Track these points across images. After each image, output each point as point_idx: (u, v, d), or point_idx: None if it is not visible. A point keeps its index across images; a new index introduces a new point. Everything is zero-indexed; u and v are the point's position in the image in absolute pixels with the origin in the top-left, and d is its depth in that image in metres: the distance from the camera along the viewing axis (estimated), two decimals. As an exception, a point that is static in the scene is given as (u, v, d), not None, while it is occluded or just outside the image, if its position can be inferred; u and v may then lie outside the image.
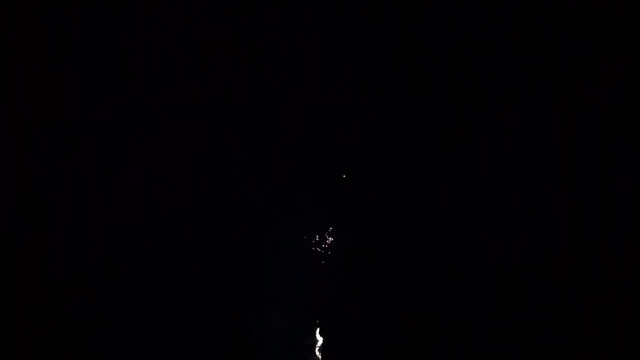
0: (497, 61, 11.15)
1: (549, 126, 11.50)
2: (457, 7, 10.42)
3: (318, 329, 14.01)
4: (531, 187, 12.12)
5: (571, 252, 10.86)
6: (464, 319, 11.17)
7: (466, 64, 11.12)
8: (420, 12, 11.13)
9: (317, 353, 14.22)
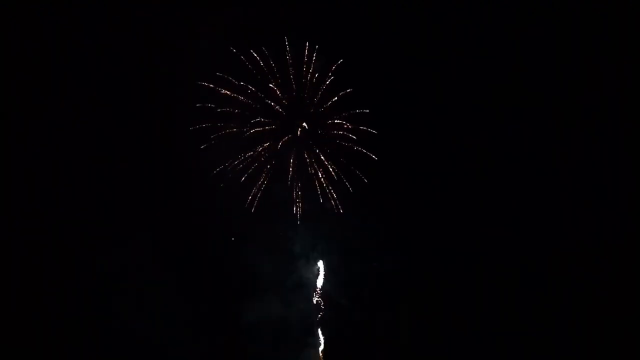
0: (497, 62, 11.08)
1: (549, 127, 11.41)
2: (458, 8, 10.44)
3: (318, 327, 13.90)
4: (531, 188, 11.99)
5: (571, 252, 10.79)
6: (464, 317, 11.13)
7: (467, 65, 11.09)
8: (421, 13, 11.10)
9: (316, 351, 14.12)
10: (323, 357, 20.56)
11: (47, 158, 21.91)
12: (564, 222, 18.22)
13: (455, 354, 18.85)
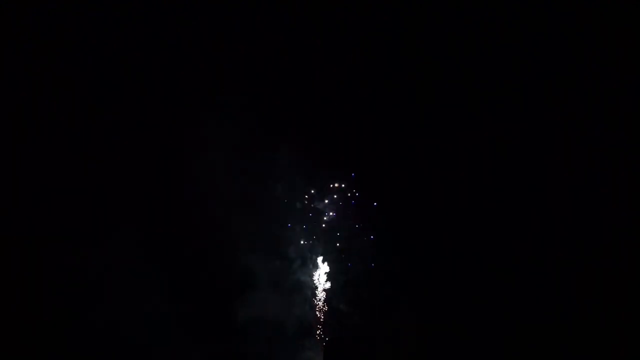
0: (497, 62, 10.97)
1: (548, 127, 11.30)
2: (458, 8, 10.36)
3: (318, 326, 13.76)
4: (531, 188, 11.86)
5: (571, 252, 10.71)
6: (464, 318, 11.01)
7: (468, 65, 10.96)
8: (421, 13, 11.02)
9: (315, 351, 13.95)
10: (321, 360, 20.62)
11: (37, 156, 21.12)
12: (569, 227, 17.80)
13: (457, 358, 18.70)
